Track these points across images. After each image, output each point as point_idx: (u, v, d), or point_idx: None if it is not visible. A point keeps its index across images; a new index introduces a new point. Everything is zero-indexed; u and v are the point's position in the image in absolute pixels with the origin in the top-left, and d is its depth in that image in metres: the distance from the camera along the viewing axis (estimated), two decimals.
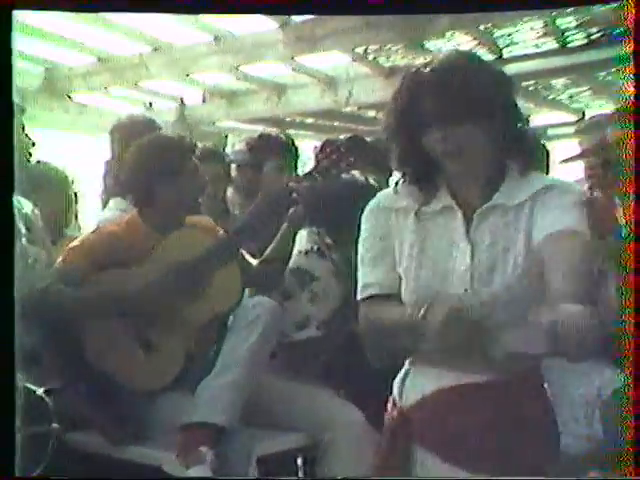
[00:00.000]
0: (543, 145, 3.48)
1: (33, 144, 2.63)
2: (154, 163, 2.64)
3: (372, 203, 1.87)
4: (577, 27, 4.47)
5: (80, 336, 2.55)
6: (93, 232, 2.77)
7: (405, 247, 1.80)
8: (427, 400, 1.78)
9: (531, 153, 1.79)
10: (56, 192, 3.24)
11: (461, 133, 1.68)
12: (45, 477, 1.86)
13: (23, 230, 2.58)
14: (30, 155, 2.66)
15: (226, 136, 6.12)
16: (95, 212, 3.39)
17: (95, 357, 2.54)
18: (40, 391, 2.11)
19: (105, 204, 3.27)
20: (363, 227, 1.86)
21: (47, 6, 2.45)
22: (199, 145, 3.29)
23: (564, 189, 1.73)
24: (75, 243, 2.68)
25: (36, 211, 2.68)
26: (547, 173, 3.46)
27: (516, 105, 1.77)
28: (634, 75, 1.92)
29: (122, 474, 2.48)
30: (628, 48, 1.92)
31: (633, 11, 1.91)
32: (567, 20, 4.40)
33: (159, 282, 2.56)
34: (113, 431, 2.51)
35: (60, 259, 2.63)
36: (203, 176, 2.73)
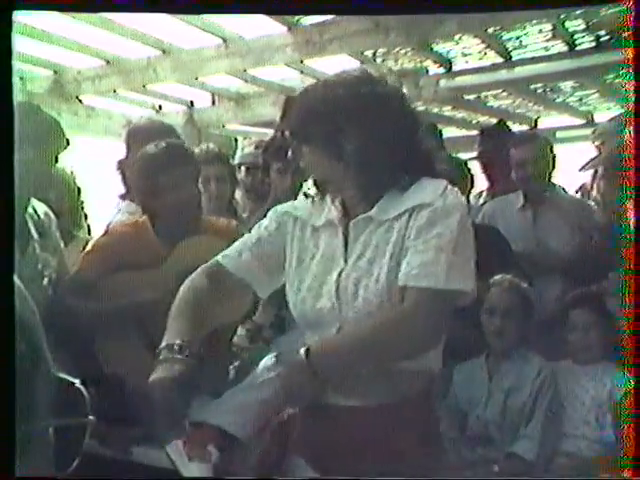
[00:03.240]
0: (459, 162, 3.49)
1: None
2: (145, 175, 2.65)
3: (280, 206, 1.91)
4: (585, 30, 4.46)
5: (92, 342, 2.56)
6: (104, 236, 2.77)
7: (293, 258, 1.82)
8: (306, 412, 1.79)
9: (417, 167, 1.74)
10: (64, 193, 3.24)
11: (304, 152, 1.75)
12: (46, 477, 1.85)
13: (35, 235, 2.58)
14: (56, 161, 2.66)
15: (236, 139, 6.12)
16: (105, 214, 3.39)
17: (105, 362, 2.55)
18: (77, 382, 2.10)
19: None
20: (266, 218, 1.91)
21: (47, 7, 2.45)
22: (202, 147, 3.30)
23: (437, 211, 1.66)
24: (88, 249, 2.69)
25: (51, 215, 2.68)
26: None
27: (403, 119, 1.72)
28: (634, 78, 1.92)
29: (128, 475, 2.48)
30: (629, 50, 1.92)
31: (632, 14, 1.91)
32: (576, 23, 4.39)
33: (170, 290, 2.56)
34: (118, 437, 2.51)
35: (76, 268, 2.65)
36: (195, 181, 2.70)
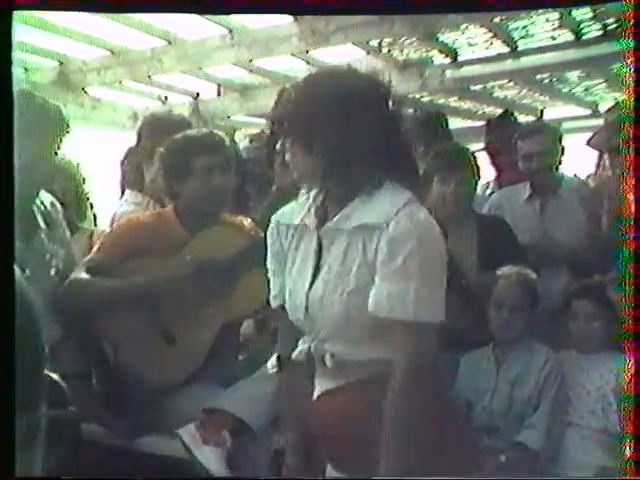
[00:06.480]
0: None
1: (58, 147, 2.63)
2: (181, 156, 2.66)
3: (273, 217, 1.88)
4: (592, 18, 4.44)
5: (101, 329, 2.56)
6: (126, 222, 2.77)
7: (288, 262, 1.81)
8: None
9: (395, 169, 1.71)
10: (69, 184, 3.23)
11: (288, 147, 1.72)
12: (45, 477, 1.86)
13: (42, 226, 2.59)
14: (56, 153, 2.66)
15: (234, 130, 6.12)
16: (110, 205, 3.39)
17: (117, 349, 2.55)
18: (55, 376, 2.12)
19: (123, 191, 3.26)
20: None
21: (47, 6, 2.45)
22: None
23: (395, 235, 1.61)
24: (109, 232, 2.71)
25: (58, 206, 2.68)
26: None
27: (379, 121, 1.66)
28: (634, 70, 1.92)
29: (138, 465, 2.49)
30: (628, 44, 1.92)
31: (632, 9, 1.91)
32: (583, 11, 4.36)
33: (187, 278, 2.57)
34: (124, 425, 2.51)
35: (95, 248, 2.66)
36: (227, 172, 2.70)
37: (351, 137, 1.64)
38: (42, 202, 2.62)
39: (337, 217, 1.69)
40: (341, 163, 1.66)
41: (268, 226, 2.02)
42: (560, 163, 3.47)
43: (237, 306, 2.60)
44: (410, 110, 4.84)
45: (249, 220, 2.81)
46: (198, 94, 5.83)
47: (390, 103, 1.71)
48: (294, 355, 1.80)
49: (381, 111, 1.69)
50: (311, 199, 1.77)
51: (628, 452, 2.22)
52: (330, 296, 1.67)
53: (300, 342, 1.80)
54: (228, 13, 4.04)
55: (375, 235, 1.64)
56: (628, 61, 1.94)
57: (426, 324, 1.61)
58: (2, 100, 1.90)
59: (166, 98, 5.83)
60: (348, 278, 1.66)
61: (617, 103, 4.26)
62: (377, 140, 1.67)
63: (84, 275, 2.57)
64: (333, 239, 1.70)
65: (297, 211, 1.80)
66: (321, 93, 1.67)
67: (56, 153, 2.59)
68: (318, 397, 1.80)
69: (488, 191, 3.96)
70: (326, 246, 1.71)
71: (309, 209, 1.76)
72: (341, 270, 1.67)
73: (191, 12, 3.37)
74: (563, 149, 3.45)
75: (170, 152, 2.68)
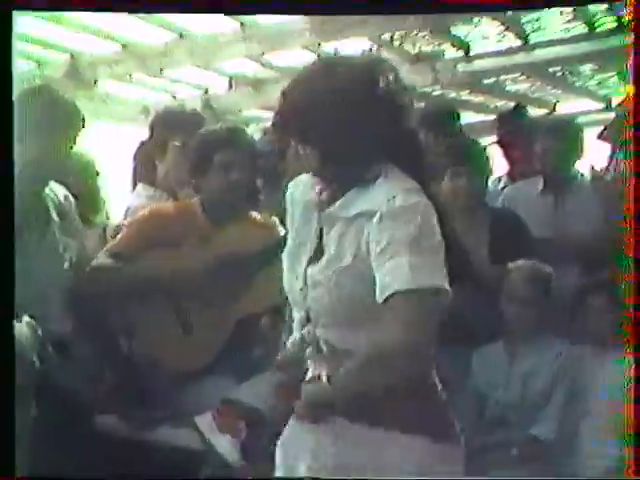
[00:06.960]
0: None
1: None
2: (202, 151, 2.68)
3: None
4: (607, 10, 4.40)
5: (118, 316, 2.58)
6: (149, 212, 2.78)
7: (294, 235, 1.82)
8: None
9: (397, 157, 1.69)
10: (82, 178, 3.22)
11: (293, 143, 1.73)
12: (45, 477, 1.87)
13: (56, 219, 2.59)
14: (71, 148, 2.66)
15: (247, 124, 6.11)
16: (122, 199, 3.38)
17: (133, 337, 2.57)
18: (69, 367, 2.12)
19: (134, 185, 3.26)
20: None
21: (47, 6, 2.46)
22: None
23: (383, 218, 1.61)
24: (131, 221, 2.72)
25: (71, 198, 2.69)
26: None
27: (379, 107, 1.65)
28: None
29: (153, 456, 2.50)
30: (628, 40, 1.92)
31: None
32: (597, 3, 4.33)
33: (210, 270, 2.58)
34: (139, 415, 2.52)
35: (118, 237, 2.70)
36: (249, 166, 2.72)
37: (344, 130, 1.64)
38: (55, 194, 2.62)
39: (337, 204, 1.71)
40: (336, 156, 1.68)
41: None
42: (579, 158, 3.45)
43: (256, 301, 2.62)
44: (422, 104, 4.82)
45: (274, 218, 2.82)
46: (207, 90, 5.82)
47: (387, 89, 1.68)
48: (289, 343, 1.82)
49: (376, 100, 1.66)
50: (319, 183, 1.78)
51: None
52: (319, 275, 1.69)
53: (294, 329, 1.81)
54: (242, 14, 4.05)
55: (367, 221, 1.64)
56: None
57: (426, 290, 1.56)
58: (2, 100, 1.91)
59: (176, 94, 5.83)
60: (339, 261, 1.68)
61: (627, 96, 4.24)
62: (374, 129, 1.67)
63: (106, 262, 2.59)
64: (332, 224, 1.72)
65: (309, 187, 1.81)
66: (310, 91, 1.68)
67: (71, 147, 2.60)
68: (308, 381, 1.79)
69: (501, 185, 3.95)
70: (326, 229, 1.73)
71: (318, 190, 1.78)
72: (335, 254, 1.69)
73: (196, 12, 3.37)
74: (582, 147, 3.41)
75: (194, 146, 2.70)
